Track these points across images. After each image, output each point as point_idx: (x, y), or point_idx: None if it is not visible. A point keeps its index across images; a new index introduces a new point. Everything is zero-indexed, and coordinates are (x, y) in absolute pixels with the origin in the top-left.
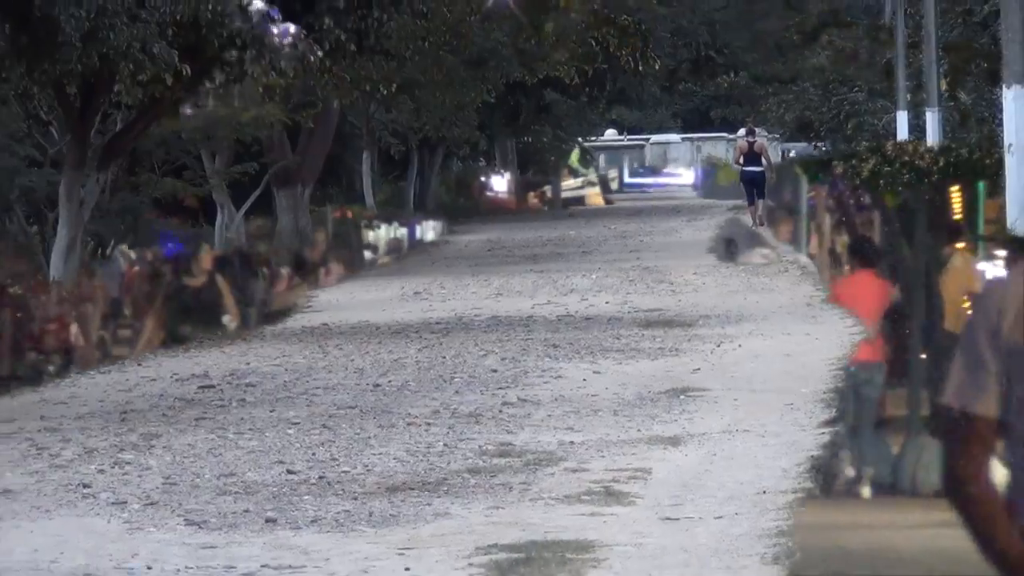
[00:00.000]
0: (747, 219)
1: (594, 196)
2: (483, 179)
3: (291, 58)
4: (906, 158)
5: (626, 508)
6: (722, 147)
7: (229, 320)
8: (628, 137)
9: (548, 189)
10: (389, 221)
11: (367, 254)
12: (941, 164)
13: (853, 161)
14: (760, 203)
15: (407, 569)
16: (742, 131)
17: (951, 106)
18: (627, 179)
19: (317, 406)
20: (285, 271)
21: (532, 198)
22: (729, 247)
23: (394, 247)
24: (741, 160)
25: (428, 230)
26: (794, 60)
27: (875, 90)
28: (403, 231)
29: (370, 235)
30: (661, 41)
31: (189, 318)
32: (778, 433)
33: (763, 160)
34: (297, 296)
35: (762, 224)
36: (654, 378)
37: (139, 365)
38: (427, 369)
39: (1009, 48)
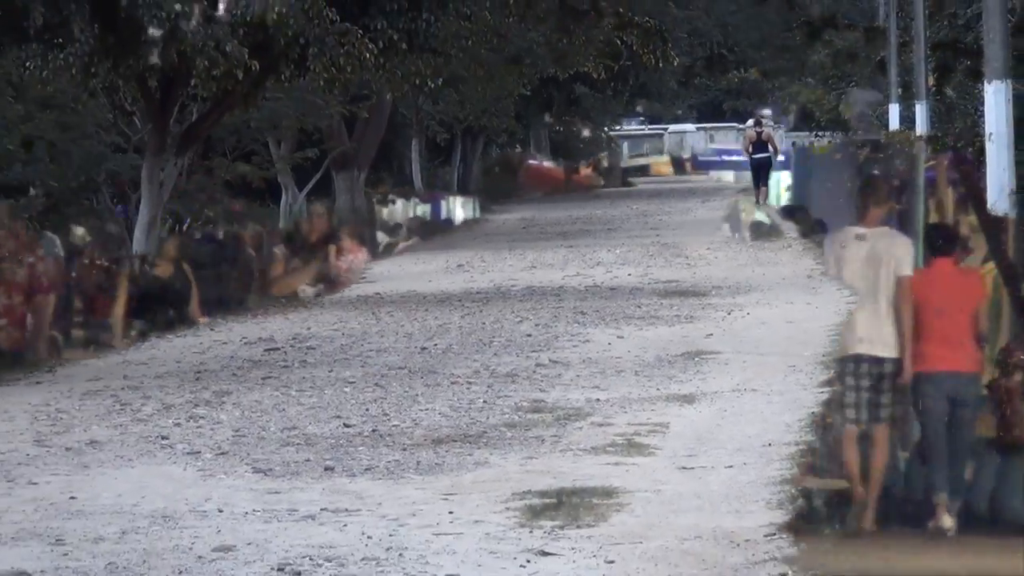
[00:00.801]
0: (754, 199)
1: (661, 165)
2: (527, 153)
3: (349, 55)
4: (898, 145)
5: (646, 458)
6: (733, 136)
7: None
8: (649, 127)
9: (604, 156)
10: (408, 197)
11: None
12: (929, 151)
13: (851, 148)
14: (763, 188)
15: (451, 512)
16: (751, 121)
17: (938, 100)
18: (701, 156)
19: (370, 367)
20: (279, 251)
21: (584, 168)
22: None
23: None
24: (750, 148)
25: (457, 207)
26: (798, 58)
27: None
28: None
29: (384, 211)
30: (679, 41)
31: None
32: (782, 392)
33: (770, 147)
34: (300, 281)
35: (766, 204)
36: (671, 342)
37: (212, 330)
38: (469, 334)
39: (990, 47)
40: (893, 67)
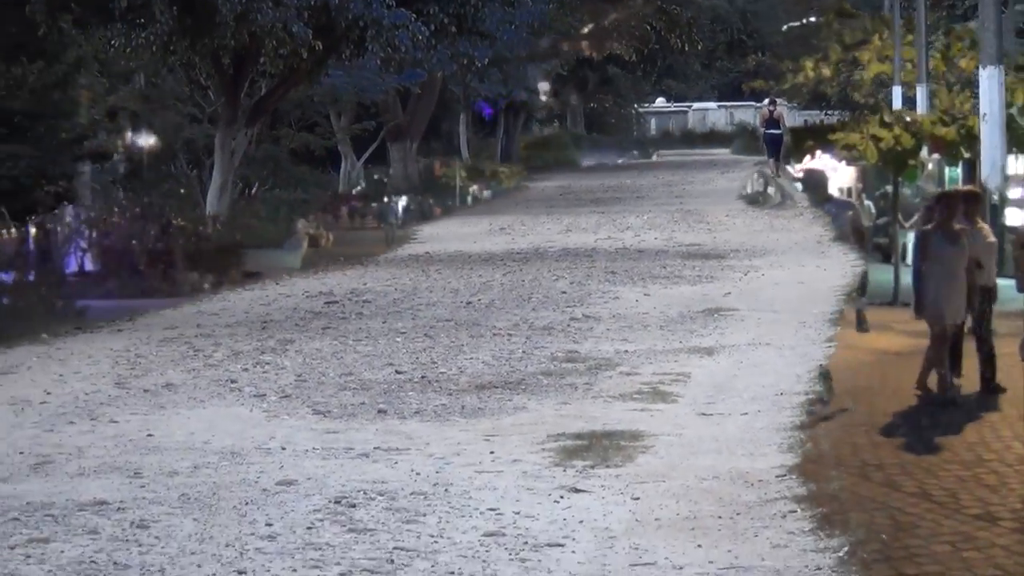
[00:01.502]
0: (768, 171)
1: None
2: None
3: (403, 37)
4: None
5: (669, 405)
6: (750, 114)
7: None
8: (674, 105)
9: None
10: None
11: None
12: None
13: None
14: (773, 160)
15: (492, 452)
16: (766, 101)
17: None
18: None
19: (420, 319)
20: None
21: None
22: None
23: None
24: (764, 125)
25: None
26: (810, 43)
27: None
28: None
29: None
30: (703, 27)
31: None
32: (793, 346)
33: (781, 125)
34: None
35: (779, 175)
36: (693, 300)
37: (277, 284)
38: (510, 290)
39: (984, 36)
40: (897, 52)
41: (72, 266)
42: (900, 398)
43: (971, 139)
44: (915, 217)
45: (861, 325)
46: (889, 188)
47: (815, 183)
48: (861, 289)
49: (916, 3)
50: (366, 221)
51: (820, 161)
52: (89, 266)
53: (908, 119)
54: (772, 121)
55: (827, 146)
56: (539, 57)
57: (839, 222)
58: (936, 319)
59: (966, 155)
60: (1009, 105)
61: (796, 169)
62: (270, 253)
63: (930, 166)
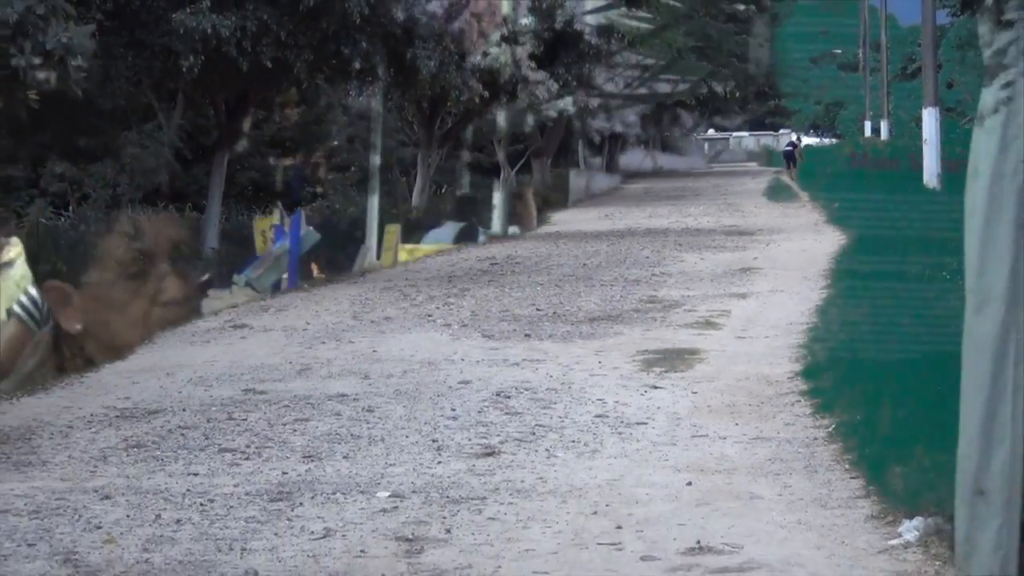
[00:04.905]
0: (786, 178)
1: None
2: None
3: (541, 89)
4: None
5: (717, 331)
6: (771, 140)
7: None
8: (720, 133)
9: None
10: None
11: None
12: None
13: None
14: (792, 168)
15: (599, 362)
16: (787, 131)
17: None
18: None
19: (552, 275)
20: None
21: None
22: None
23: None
24: (787, 146)
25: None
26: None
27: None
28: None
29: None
30: (739, 81)
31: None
32: (798, 292)
33: (796, 149)
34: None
35: (794, 180)
36: (732, 262)
37: (458, 252)
38: (611, 256)
39: (924, 86)
40: (867, 99)
41: None
42: None
43: None
44: None
45: None
46: None
47: None
48: None
49: (881, 66)
50: None
51: None
52: None
53: None
54: (790, 143)
55: None
56: (631, 102)
57: None
58: None
59: None
60: None
61: None
62: None
63: None
